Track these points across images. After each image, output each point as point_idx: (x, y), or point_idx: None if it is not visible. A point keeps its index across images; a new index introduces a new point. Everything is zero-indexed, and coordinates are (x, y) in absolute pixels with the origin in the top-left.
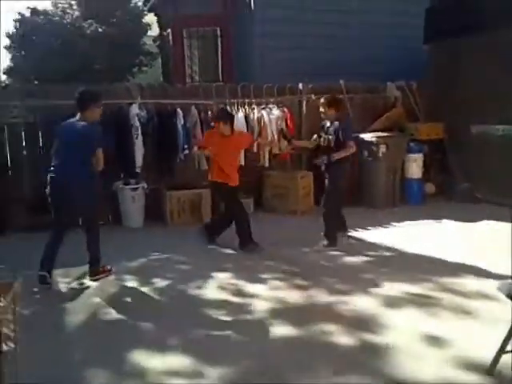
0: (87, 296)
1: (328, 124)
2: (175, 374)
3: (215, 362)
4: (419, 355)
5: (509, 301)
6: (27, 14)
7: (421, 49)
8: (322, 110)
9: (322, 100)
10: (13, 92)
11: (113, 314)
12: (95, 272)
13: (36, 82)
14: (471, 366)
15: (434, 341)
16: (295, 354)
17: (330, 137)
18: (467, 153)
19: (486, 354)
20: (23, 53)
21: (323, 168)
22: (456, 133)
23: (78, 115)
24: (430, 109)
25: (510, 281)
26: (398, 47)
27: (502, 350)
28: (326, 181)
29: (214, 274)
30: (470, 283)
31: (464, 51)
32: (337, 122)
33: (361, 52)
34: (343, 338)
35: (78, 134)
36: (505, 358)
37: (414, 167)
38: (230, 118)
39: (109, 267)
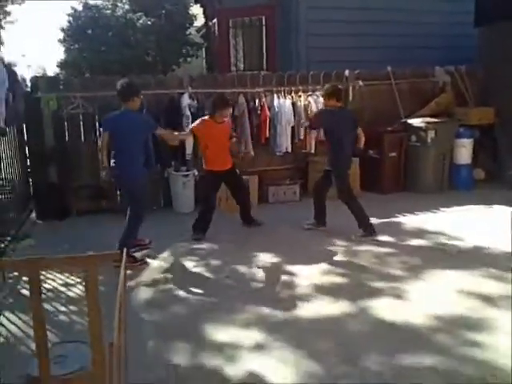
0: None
1: None
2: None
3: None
4: None
5: None
6: (79, 8)
7: (471, 33)
8: (323, 100)
9: (323, 91)
10: (71, 84)
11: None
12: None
13: (87, 75)
14: None
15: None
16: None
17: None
18: None
19: None
20: (77, 46)
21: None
22: (507, 118)
23: (123, 107)
24: (481, 93)
25: None
26: (447, 31)
27: None
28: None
29: (260, 256)
30: None
31: None
32: None
33: (408, 38)
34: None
35: (137, 123)
36: None
37: (464, 152)
38: (228, 105)
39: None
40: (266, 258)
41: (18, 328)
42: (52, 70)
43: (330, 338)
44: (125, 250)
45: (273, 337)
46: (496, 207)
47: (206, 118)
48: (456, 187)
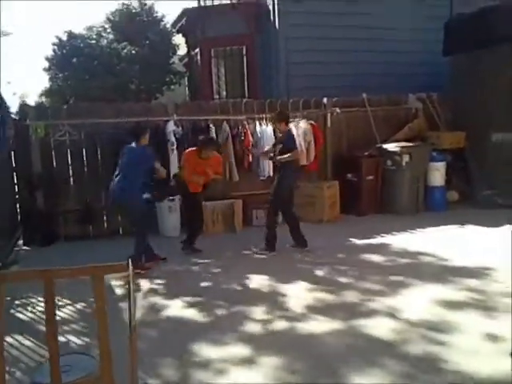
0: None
1: (280, 135)
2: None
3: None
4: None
5: None
6: (64, 37)
7: (441, 62)
8: (274, 125)
9: (272, 115)
10: (58, 111)
11: (169, 310)
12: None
13: (71, 102)
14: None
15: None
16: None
17: (281, 146)
18: (488, 160)
19: None
20: (62, 74)
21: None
22: (477, 141)
23: (135, 142)
24: (452, 119)
25: None
26: (419, 61)
27: None
28: (274, 183)
29: (250, 276)
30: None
31: (482, 63)
32: (285, 133)
33: (383, 66)
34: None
35: (139, 155)
36: None
37: (437, 175)
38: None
39: (148, 265)
40: (255, 279)
41: (15, 348)
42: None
43: (312, 352)
44: (130, 261)
45: (259, 352)
46: (469, 226)
47: (193, 149)
48: (431, 208)
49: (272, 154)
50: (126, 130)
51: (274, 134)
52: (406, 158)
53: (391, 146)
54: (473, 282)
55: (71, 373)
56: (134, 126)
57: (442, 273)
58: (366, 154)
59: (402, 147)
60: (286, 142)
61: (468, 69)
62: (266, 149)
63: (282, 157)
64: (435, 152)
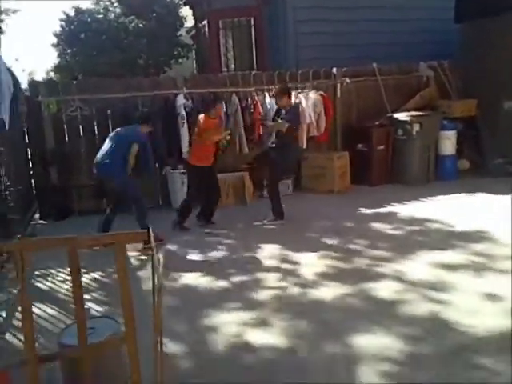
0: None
1: (283, 111)
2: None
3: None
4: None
5: None
6: (72, 13)
7: (452, 28)
8: (275, 99)
9: (274, 90)
10: (68, 87)
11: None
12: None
13: (79, 78)
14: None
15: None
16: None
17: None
18: (500, 128)
19: None
20: (70, 50)
21: (271, 146)
22: (488, 109)
23: (137, 126)
24: (463, 87)
25: None
26: (430, 28)
27: None
28: (273, 157)
29: (262, 245)
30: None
31: (494, 29)
32: (288, 108)
33: (393, 35)
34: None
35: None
36: None
37: (448, 144)
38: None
39: (160, 237)
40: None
41: (37, 315)
42: (41, 75)
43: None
44: (151, 230)
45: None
46: (479, 194)
47: (203, 115)
48: (442, 177)
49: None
50: (136, 104)
51: None
52: (416, 127)
53: (402, 116)
54: (478, 247)
55: (95, 335)
56: (141, 112)
57: (447, 238)
58: (377, 123)
59: (413, 116)
60: (288, 116)
61: (479, 36)
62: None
63: (271, 124)
64: (446, 120)
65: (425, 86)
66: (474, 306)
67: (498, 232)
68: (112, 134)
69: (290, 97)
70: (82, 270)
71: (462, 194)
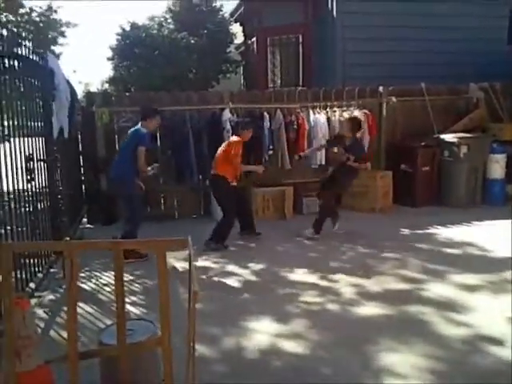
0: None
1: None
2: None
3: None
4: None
5: None
6: (127, 28)
7: (504, 50)
8: (344, 127)
9: (345, 122)
10: (121, 99)
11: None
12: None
13: (132, 90)
14: None
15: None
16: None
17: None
18: None
19: None
20: (124, 64)
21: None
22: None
23: (140, 123)
24: None
25: None
26: (481, 49)
27: None
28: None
29: (300, 260)
30: None
31: None
32: (352, 140)
33: (443, 55)
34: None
35: (128, 136)
36: None
37: (497, 168)
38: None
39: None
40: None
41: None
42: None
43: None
44: (190, 238)
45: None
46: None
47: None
48: (489, 202)
49: (346, 156)
50: (184, 118)
51: (328, 123)
52: (464, 149)
53: (448, 137)
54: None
55: (134, 336)
56: (143, 106)
57: (486, 265)
58: (423, 144)
59: (460, 138)
60: (354, 148)
61: None
62: (322, 142)
63: (356, 164)
64: (496, 144)
65: (474, 108)
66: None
67: None
68: None
69: (359, 130)
70: (126, 275)
71: (509, 221)
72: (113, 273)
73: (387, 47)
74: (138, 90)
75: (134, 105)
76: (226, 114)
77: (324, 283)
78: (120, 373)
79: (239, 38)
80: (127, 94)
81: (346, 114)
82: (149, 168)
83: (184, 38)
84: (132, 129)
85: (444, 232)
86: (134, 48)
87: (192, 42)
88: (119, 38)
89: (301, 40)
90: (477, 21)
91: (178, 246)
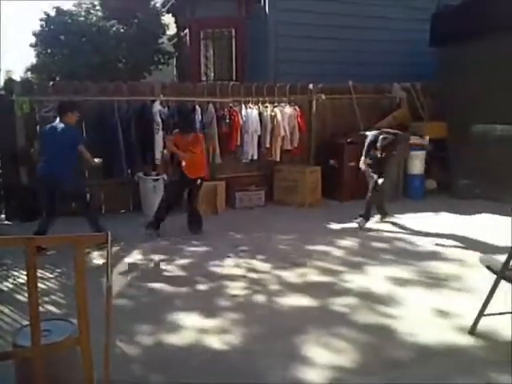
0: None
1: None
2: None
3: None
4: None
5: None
6: (52, 13)
7: (426, 52)
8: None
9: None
10: (44, 88)
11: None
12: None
13: (57, 79)
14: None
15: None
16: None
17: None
18: (468, 151)
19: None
20: (49, 51)
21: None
22: (458, 132)
23: (58, 120)
24: (434, 109)
25: (490, 255)
26: (405, 50)
27: (480, 314)
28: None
29: (229, 253)
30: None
31: (467, 54)
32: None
33: (369, 55)
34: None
35: (61, 135)
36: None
37: (417, 164)
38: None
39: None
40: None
41: None
42: (19, 75)
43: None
44: (109, 233)
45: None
46: (443, 214)
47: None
48: (409, 196)
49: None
50: (113, 108)
51: (260, 118)
52: None
53: (373, 134)
54: (433, 264)
55: (50, 337)
56: (61, 102)
57: (406, 255)
58: (349, 140)
59: None
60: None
61: (452, 60)
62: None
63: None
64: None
65: (397, 107)
66: (428, 321)
67: (457, 252)
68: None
69: None
70: (47, 274)
71: (428, 213)
72: None
73: (318, 45)
74: (63, 79)
75: (58, 94)
76: (157, 106)
77: (250, 275)
78: (34, 375)
79: (172, 29)
80: (51, 82)
81: (277, 110)
82: (95, 159)
83: (113, 26)
84: (57, 128)
85: (368, 225)
86: (58, 35)
87: (122, 30)
88: (43, 23)
89: (234, 34)
90: (402, 23)
91: (98, 241)
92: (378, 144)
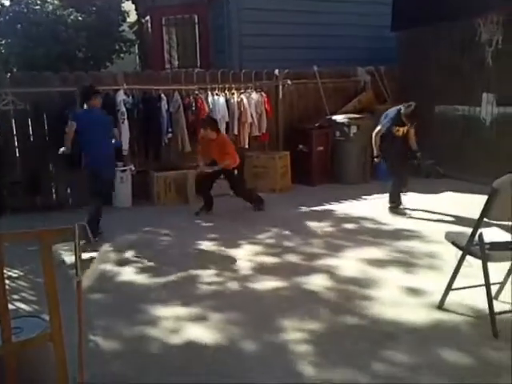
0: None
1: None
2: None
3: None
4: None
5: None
6: (7, 2)
7: (389, 36)
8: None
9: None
10: (1, 80)
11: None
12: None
13: (14, 70)
14: (429, 305)
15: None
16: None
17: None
18: (431, 132)
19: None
20: (4, 41)
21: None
22: (421, 113)
23: (85, 105)
24: (398, 91)
25: (453, 231)
26: (368, 34)
27: (448, 288)
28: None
29: (199, 242)
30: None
31: (426, 38)
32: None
33: (333, 39)
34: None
35: (103, 120)
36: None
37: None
38: (215, 125)
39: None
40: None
41: None
42: None
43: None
44: (76, 226)
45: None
46: (409, 193)
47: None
48: (377, 178)
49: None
50: (74, 99)
51: (227, 105)
52: (354, 129)
53: (340, 118)
54: (403, 243)
55: (22, 334)
56: (84, 86)
57: (377, 235)
58: (316, 125)
59: (351, 118)
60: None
61: (413, 44)
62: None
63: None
64: None
65: (362, 91)
66: (399, 300)
67: (425, 230)
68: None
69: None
70: (16, 271)
71: None
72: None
73: (282, 31)
74: (21, 70)
75: (15, 86)
76: (120, 96)
77: (224, 263)
78: (6, 373)
79: (133, 17)
80: (8, 74)
81: (243, 96)
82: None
83: (71, 14)
84: (94, 112)
85: (339, 208)
86: (15, 25)
87: (80, 19)
88: None
89: (197, 20)
90: (365, 7)
91: (65, 234)
92: (404, 114)
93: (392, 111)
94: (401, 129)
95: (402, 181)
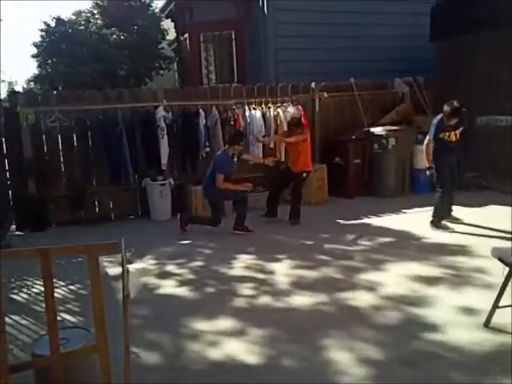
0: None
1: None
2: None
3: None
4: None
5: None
6: (52, 23)
7: (428, 46)
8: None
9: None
10: (48, 98)
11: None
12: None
13: (60, 89)
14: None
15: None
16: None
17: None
18: (473, 143)
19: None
20: (50, 61)
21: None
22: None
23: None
24: (437, 103)
25: (500, 246)
26: (406, 45)
27: (495, 306)
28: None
29: (238, 256)
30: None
31: (466, 47)
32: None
33: (370, 51)
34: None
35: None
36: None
37: (422, 158)
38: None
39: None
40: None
41: (11, 326)
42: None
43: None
44: (123, 241)
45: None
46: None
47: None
48: (416, 191)
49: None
50: (116, 116)
51: (263, 118)
52: (392, 142)
53: (378, 130)
54: (448, 258)
55: (68, 345)
56: (233, 134)
57: (420, 250)
58: (353, 137)
59: (388, 131)
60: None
61: (453, 54)
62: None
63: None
64: (420, 135)
65: (400, 102)
66: (448, 319)
67: (471, 245)
68: None
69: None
70: (61, 283)
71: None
72: None
73: (318, 44)
74: (66, 88)
75: (61, 104)
76: (160, 112)
77: (262, 276)
78: (54, 382)
79: (171, 34)
80: (54, 92)
81: (279, 110)
82: None
83: (113, 33)
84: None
85: (378, 221)
86: (60, 44)
87: (122, 38)
88: (43, 34)
89: (234, 36)
90: (403, 18)
91: (110, 249)
92: (445, 112)
93: (436, 118)
94: (451, 133)
95: (451, 194)
